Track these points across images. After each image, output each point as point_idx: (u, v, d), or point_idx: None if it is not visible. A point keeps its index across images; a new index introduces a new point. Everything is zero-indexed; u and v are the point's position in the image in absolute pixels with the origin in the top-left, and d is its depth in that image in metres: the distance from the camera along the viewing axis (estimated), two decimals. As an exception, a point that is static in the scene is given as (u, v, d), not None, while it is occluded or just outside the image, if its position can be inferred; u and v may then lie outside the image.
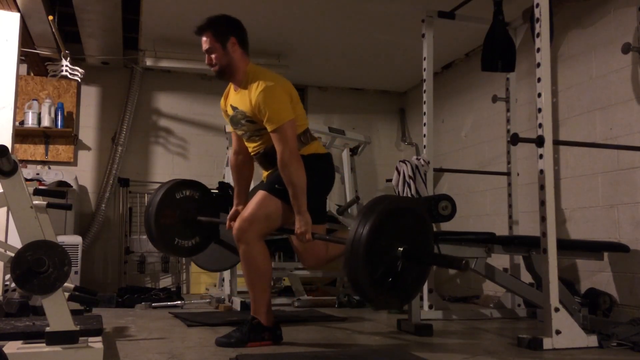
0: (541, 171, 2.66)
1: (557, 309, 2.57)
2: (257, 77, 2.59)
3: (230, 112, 2.75)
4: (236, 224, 2.59)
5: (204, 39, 2.66)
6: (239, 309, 4.07)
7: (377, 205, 2.19)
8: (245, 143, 2.80)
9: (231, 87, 2.78)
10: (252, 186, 3.25)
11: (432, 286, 3.85)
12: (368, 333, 3.13)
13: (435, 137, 4.82)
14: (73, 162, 5.65)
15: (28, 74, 5.59)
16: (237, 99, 2.69)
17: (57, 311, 2.07)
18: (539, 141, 2.67)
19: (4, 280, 3.88)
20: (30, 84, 5.53)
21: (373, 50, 5.35)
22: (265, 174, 2.83)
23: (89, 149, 5.75)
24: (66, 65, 5.04)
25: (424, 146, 3.93)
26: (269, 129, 2.56)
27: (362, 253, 2.08)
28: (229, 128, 4.91)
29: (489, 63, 3.92)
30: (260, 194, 2.62)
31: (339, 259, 2.89)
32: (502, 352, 2.53)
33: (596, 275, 3.74)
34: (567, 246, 3.32)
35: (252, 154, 2.79)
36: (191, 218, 3.14)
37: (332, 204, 4.88)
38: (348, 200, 5.14)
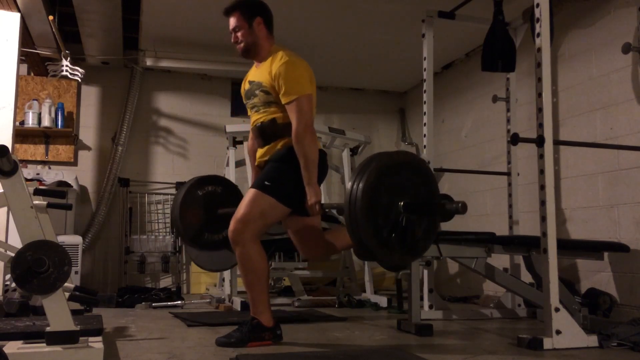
0: (541, 171, 2.66)
1: (557, 309, 2.57)
2: (280, 52, 2.65)
3: (247, 87, 2.79)
4: (231, 226, 2.57)
5: (232, 19, 2.73)
6: (239, 309, 4.07)
7: (370, 162, 2.19)
8: (252, 117, 2.80)
9: (253, 67, 2.82)
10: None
11: (432, 286, 3.85)
12: (368, 333, 3.13)
13: (436, 137, 4.82)
14: (73, 162, 5.65)
15: (28, 74, 5.59)
16: (256, 73, 2.75)
17: (57, 311, 2.07)
18: (539, 141, 2.67)
19: (4, 280, 3.88)
20: (31, 84, 5.53)
21: (373, 50, 5.35)
22: (259, 153, 2.79)
23: (89, 149, 5.75)
24: (66, 65, 5.04)
25: (424, 146, 3.93)
26: (285, 100, 2.58)
27: (360, 211, 2.08)
28: (229, 128, 4.95)
29: (489, 63, 3.91)
30: (251, 192, 2.60)
31: (339, 250, 2.90)
32: (502, 352, 2.53)
33: (596, 275, 3.74)
34: (567, 246, 3.32)
35: (252, 125, 2.79)
36: (216, 212, 3.21)
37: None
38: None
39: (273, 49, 2.72)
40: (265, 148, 2.72)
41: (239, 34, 2.72)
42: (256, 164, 2.84)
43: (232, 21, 2.73)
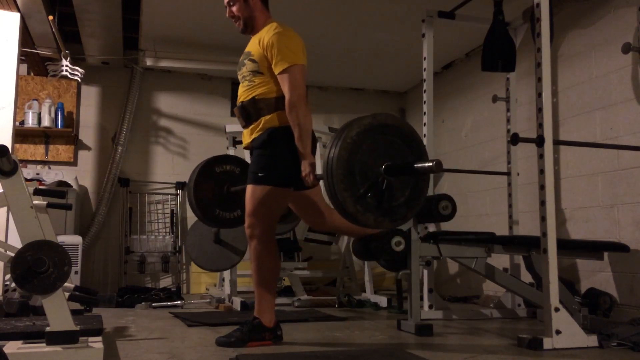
0: (541, 171, 2.66)
1: (557, 309, 2.57)
2: (275, 25, 2.64)
3: (241, 59, 2.77)
4: (246, 222, 2.60)
5: None
6: (239, 308, 4.07)
7: (353, 122, 2.18)
8: (240, 90, 2.77)
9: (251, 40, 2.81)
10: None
11: (432, 286, 3.85)
12: (368, 333, 3.13)
13: (436, 137, 4.81)
14: (73, 162, 5.65)
15: (28, 74, 5.59)
16: (250, 44, 2.73)
17: (57, 311, 2.07)
18: (539, 141, 2.67)
19: (4, 280, 3.88)
20: (31, 84, 5.53)
21: (373, 50, 5.35)
22: (244, 136, 2.78)
23: (89, 149, 5.75)
24: (66, 65, 5.04)
25: (424, 146, 3.92)
26: (278, 69, 2.55)
27: (336, 167, 2.08)
28: (229, 128, 4.95)
29: (489, 63, 3.91)
30: (250, 189, 2.62)
31: (345, 228, 2.87)
32: (502, 352, 2.53)
33: (596, 275, 3.74)
34: (567, 246, 3.32)
35: (237, 104, 2.75)
36: (230, 191, 3.31)
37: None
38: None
39: (270, 21, 2.70)
40: (248, 129, 2.71)
41: (234, 8, 2.71)
42: (243, 147, 2.84)
43: None
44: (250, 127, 2.68)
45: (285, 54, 2.54)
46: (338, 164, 2.09)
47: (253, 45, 2.68)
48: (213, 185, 3.32)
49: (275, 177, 2.58)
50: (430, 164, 2.05)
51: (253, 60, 2.65)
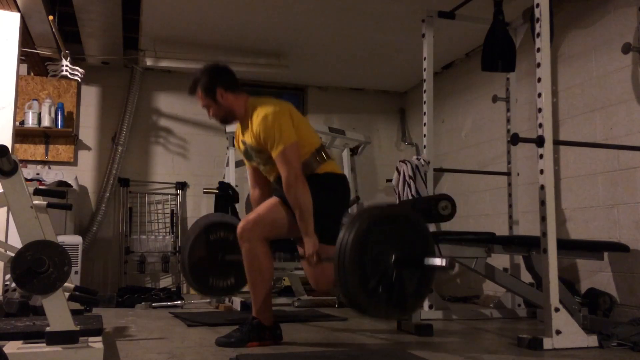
0: (541, 171, 2.66)
1: (557, 309, 2.57)
2: (256, 108, 2.62)
3: (242, 147, 2.81)
4: (240, 223, 2.60)
5: (198, 98, 2.74)
6: (239, 308, 4.07)
7: (363, 213, 2.16)
8: (264, 174, 2.80)
9: (239, 125, 2.82)
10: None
11: (432, 286, 3.84)
12: (368, 333, 3.13)
13: (436, 137, 4.82)
14: (73, 162, 5.65)
15: (28, 74, 5.59)
16: (246, 134, 2.73)
17: (57, 311, 2.07)
18: (539, 141, 2.67)
19: (4, 280, 3.88)
20: (31, 84, 5.53)
21: (373, 50, 5.35)
22: None
23: (89, 149, 5.75)
24: (66, 65, 5.04)
25: (424, 146, 3.93)
26: (273, 155, 2.57)
27: (349, 261, 2.05)
28: (229, 128, 4.95)
29: (489, 63, 3.92)
30: (273, 199, 2.64)
31: None
32: (502, 352, 2.53)
33: (596, 275, 3.74)
34: (567, 246, 3.32)
35: (273, 180, 2.77)
36: (225, 259, 3.28)
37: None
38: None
39: (249, 103, 2.70)
40: None
41: (210, 112, 2.74)
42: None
43: (199, 100, 2.74)
44: None
45: (275, 139, 2.54)
46: (350, 257, 2.06)
47: (251, 138, 2.67)
48: (207, 254, 3.26)
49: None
50: (442, 262, 2.01)
51: (260, 151, 2.66)
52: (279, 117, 2.58)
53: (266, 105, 2.62)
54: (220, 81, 2.70)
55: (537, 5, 2.72)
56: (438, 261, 2.04)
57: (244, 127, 2.74)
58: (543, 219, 2.64)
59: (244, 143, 2.76)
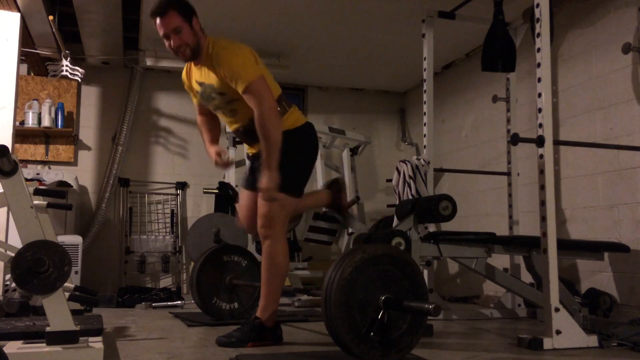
0: (541, 171, 2.66)
1: (557, 309, 2.57)
2: (216, 46, 2.53)
3: (197, 88, 2.70)
4: (259, 223, 2.60)
5: (167, 19, 2.47)
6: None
7: (347, 257, 2.09)
8: (223, 120, 2.79)
9: (191, 64, 2.70)
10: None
11: (432, 286, 3.85)
12: (368, 333, 3.12)
13: (436, 137, 4.82)
14: (73, 162, 5.65)
15: (28, 74, 5.59)
16: (202, 74, 2.64)
17: (57, 311, 2.07)
18: (539, 141, 2.67)
19: (4, 280, 3.88)
20: (31, 84, 5.53)
21: (373, 50, 5.35)
22: (253, 150, 2.80)
23: (89, 149, 5.75)
24: (66, 65, 5.04)
25: (424, 146, 3.93)
26: (240, 90, 2.48)
27: (335, 306, 2.00)
28: (228, 129, 4.94)
29: (489, 63, 3.91)
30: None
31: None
32: (502, 352, 2.53)
33: (596, 275, 3.74)
34: (567, 246, 3.32)
35: (232, 131, 2.77)
36: (232, 282, 3.45)
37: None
38: (348, 200, 5.13)
39: (208, 41, 2.57)
40: (257, 145, 2.68)
41: (181, 36, 2.49)
42: (250, 154, 2.89)
43: (169, 22, 2.47)
44: (258, 144, 2.59)
45: (239, 74, 2.46)
46: (336, 308, 2.00)
47: (211, 77, 2.58)
48: (217, 273, 3.44)
49: (289, 186, 2.56)
50: (429, 307, 1.90)
51: (221, 94, 2.60)
52: (242, 52, 2.52)
53: (227, 42, 2.55)
54: (194, 10, 2.55)
55: (537, 5, 2.72)
56: (424, 308, 1.94)
57: (198, 67, 2.63)
58: (543, 219, 2.64)
59: (200, 84, 2.65)
